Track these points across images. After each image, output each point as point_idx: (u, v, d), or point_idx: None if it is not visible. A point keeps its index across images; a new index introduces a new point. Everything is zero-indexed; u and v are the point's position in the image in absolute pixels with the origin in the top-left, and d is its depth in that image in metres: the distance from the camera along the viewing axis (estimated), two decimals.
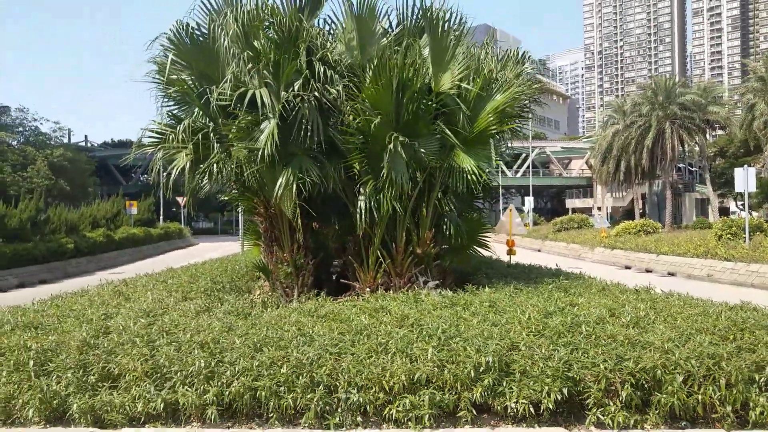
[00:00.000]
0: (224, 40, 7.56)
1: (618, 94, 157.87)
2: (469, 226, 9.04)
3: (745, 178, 19.67)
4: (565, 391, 3.85)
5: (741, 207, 60.03)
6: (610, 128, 42.17)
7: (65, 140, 44.86)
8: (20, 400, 4.21)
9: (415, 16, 8.54)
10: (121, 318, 5.93)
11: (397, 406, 3.90)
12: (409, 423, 3.87)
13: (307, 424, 3.97)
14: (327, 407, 3.97)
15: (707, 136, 44.91)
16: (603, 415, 3.83)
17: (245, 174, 7.15)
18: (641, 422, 3.89)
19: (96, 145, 63.61)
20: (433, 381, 4.02)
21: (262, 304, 6.69)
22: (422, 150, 7.26)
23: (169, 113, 8.02)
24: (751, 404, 3.90)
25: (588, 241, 26.86)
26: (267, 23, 7.90)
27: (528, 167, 57.08)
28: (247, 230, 12.19)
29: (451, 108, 7.55)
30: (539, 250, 29.95)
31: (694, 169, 59.36)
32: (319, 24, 8.49)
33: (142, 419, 4.12)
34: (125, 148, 68.77)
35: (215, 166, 7.51)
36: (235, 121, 7.27)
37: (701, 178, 57.43)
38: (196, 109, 7.74)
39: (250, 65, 7.59)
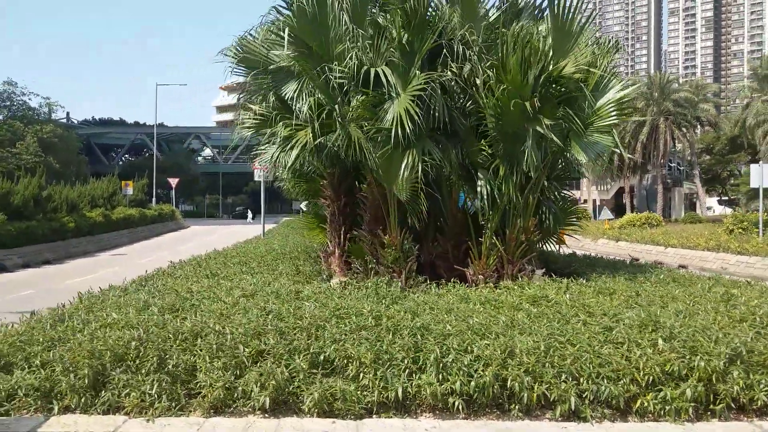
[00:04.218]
0: (343, 15, 7.22)
1: None
2: (563, 212, 8.99)
3: (760, 175, 20.22)
4: None
5: (724, 204, 62.07)
6: None
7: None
8: (240, 387, 3.92)
9: None
10: (258, 301, 5.64)
11: (653, 399, 3.79)
12: (666, 416, 3.77)
13: (552, 417, 3.83)
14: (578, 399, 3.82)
15: (696, 132, 46.12)
16: None
17: (371, 156, 6.85)
18: None
19: (77, 122, 61.14)
20: (681, 373, 3.91)
21: (400, 289, 6.48)
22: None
23: (276, 94, 7.61)
24: None
25: (591, 232, 27.17)
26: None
27: None
28: (310, 213, 11.85)
29: (573, 94, 7.41)
30: None
31: (673, 164, 61.00)
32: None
33: (374, 410, 3.90)
34: (108, 127, 66.31)
35: (330, 146, 7.20)
36: (353, 99, 6.98)
37: (685, 174, 59.09)
38: (311, 88, 7.36)
39: (367, 43, 7.27)
